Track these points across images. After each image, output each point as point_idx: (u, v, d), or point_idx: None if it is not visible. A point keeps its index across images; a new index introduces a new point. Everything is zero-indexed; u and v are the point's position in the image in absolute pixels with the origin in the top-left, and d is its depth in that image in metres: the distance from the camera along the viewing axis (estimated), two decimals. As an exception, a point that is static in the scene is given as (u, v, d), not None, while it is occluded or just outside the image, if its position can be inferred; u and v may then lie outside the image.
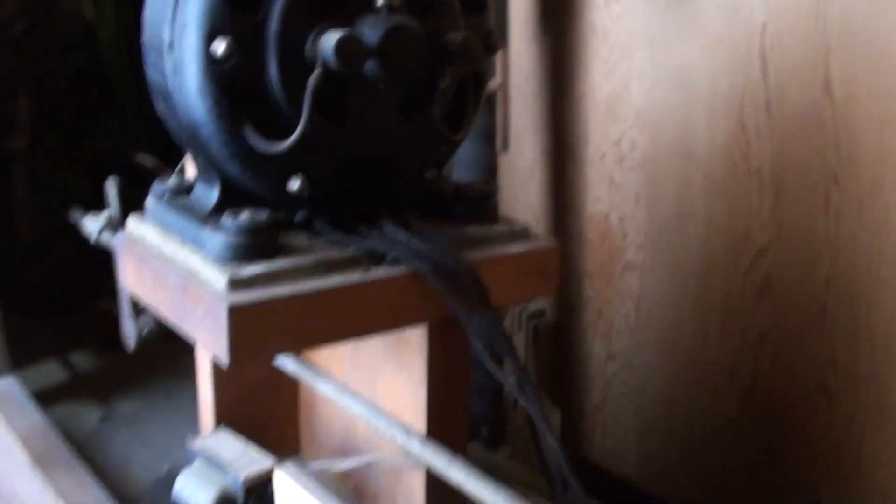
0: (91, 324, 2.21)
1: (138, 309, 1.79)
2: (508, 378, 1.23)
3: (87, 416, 1.88)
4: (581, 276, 2.09)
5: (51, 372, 2.06)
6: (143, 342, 1.81)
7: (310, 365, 1.24)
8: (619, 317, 2.03)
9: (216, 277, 1.14)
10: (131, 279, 1.35)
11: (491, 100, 2.03)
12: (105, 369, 2.11)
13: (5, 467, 1.68)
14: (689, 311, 1.87)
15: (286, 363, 1.22)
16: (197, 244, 1.21)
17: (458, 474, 1.04)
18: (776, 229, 1.70)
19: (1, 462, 1.70)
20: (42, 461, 1.57)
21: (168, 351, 2.01)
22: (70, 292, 2.30)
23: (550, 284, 1.34)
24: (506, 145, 2.15)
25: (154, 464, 1.69)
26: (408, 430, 1.09)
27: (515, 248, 1.30)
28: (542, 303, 2.17)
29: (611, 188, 1.97)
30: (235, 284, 1.13)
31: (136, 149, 2.23)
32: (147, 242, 1.29)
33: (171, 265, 1.22)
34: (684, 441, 1.95)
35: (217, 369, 1.49)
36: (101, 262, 1.93)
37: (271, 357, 1.22)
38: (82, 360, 2.14)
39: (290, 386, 1.55)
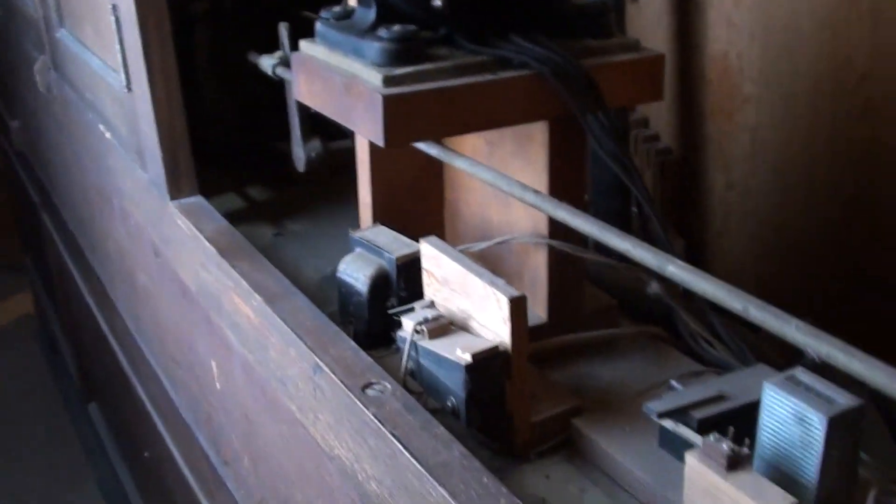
0: (265, 162, 2.49)
1: (307, 135, 2.06)
2: (617, 165, 1.46)
3: (263, 232, 2.16)
4: (703, 114, 2.27)
5: (230, 201, 2.36)
6: (311, 164, 2.09)
7: (450, 149, 1.48)
8: (736, 148, 2.21)
9: (374, 76, 1.39)
10: (303, 90, 1.60)
11: (620, -51, 2.20)
12: (277, 199, 2.39)
13: (196, 260, 1.98)
14: (798, 136, 2.05)
15: (431, 149, 1.47)
16: (358, 53, 1.45)
17: (580, 223, 1.27)
18: (875, 55, 1.86)
19: (192, 256, 2.01)
20: (227, 253, 1.85)
21: (333, 185, 2.30)
22: (247, 136, 2.58)
23: (658, 90, 1.55)
24: (635, -6, 2.33)
25: (321, 268, 1.96)
26: (527, 187, 1.33)
27: (626, 56, 1.51)
28: (667, 141, 2.37)
29: (729, 28, 2.14)
30: (389, 81, 1.38)
31: (301, 6, 2.48)
32: (317, 58, 1.55)
33: (337, 72, 1.47)
34: (795, 260, 2.13)
35: (374, 175, 1.75)
36: (272, 110, 2.20)
37: (419, 139, 1.46)
38: (258, 192, 2.43)
39: (436, 190, 1.81)
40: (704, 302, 1.55)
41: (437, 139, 1.48)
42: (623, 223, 2.18)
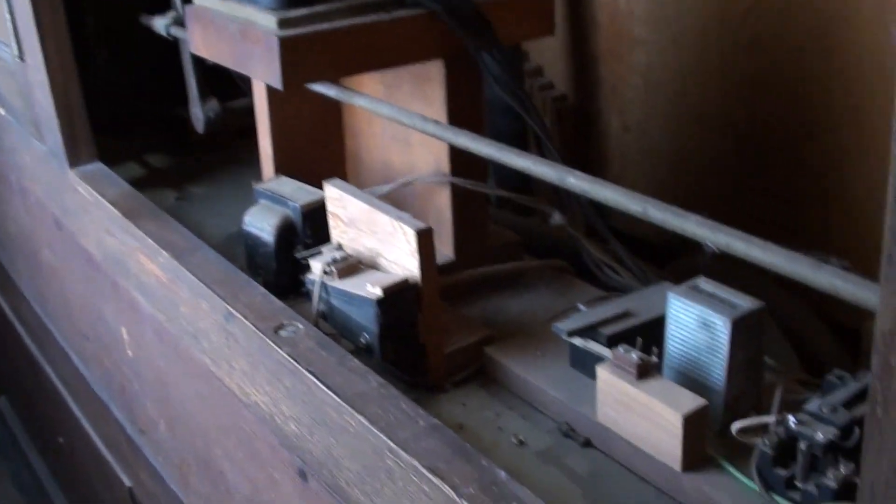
0: (164, 129, 2.47)
1: (204, 95, 2.06)
2: (513, 99, 1.49)
3: (165, 197, 2.14)
4: (595, 58, 2.31)
5: (130, 170, 2.33)
6: (210, 124, 2.08)
7: (349, 90, 1.49)
8: (630, 90, 2.26)
9: (268, 20, 1.40)
10: (199, 42, 1.60)
11: None
12: (178, 165, 2.38)
13: (100, 226, 1.97)
14: (690, 73, 2.10)
15: (329, 90, 1.48)
16: (251, 0, 1.46)
17: (481, 147, 1.29)
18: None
19: (95, 223, 1.99)
20: (130, 215, 1.84)
21: (234, 148, 2.30)
22: (143, 102, 2.54)
23: (549, 24, 1.58)
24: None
25: (225, 227, 1.96)
26: (428, 118, 1.34)
27: (518, -7, 1.55)
28: (561, 89, 2.41)
29: (617, -28, 2.19)
30: (284, 23, 1.39)
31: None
32: (211, 9, 1.55)
33: (232, 20, 1.48)
34: (693, 193, 2.19)
35: (274, 124, 1.75)
36: (168, 75, 2.19)
37: (316, 80, 1.47)
38: (157, 159, 2.41)
39: (337, 138, 1.82)
40: (606, 228, 1.60)
41: (335, 80, 1.49)
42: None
